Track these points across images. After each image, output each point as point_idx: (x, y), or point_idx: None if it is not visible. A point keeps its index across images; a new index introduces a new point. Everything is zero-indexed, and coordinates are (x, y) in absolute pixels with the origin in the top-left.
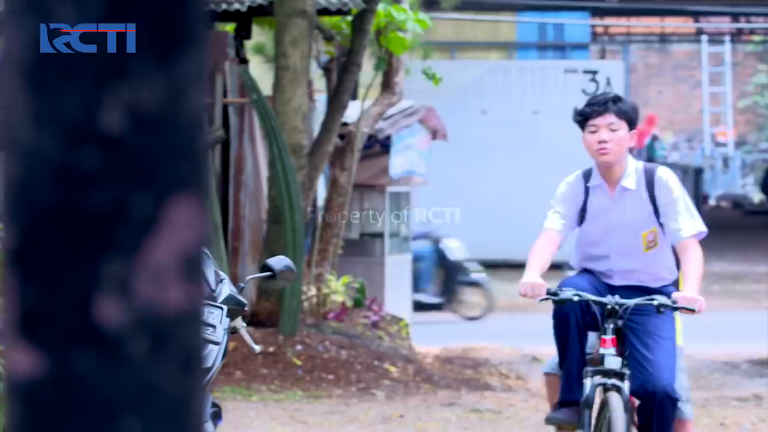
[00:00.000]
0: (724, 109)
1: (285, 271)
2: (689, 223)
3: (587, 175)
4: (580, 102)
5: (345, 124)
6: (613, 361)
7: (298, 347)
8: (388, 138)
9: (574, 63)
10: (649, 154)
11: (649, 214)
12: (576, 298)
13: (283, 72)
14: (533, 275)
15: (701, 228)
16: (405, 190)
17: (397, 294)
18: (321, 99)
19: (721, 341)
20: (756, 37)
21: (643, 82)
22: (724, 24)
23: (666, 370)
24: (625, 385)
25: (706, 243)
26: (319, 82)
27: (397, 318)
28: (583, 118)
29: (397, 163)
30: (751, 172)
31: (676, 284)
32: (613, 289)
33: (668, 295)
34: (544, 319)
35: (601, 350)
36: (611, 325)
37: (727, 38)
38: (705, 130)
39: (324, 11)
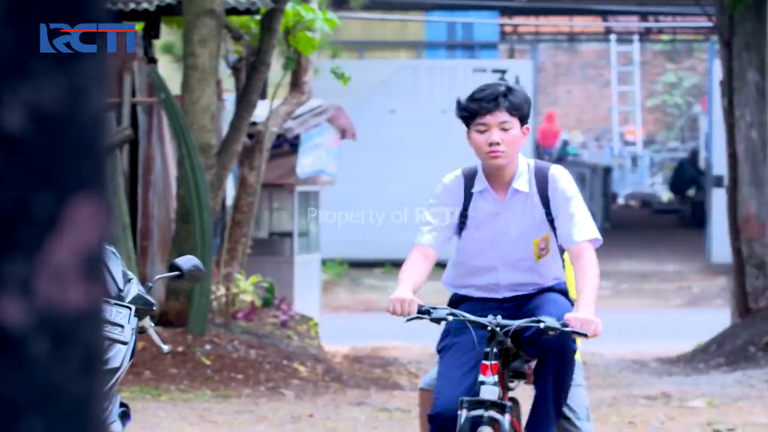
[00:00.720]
0: (633, 108)
1: (193, 271)
2: (584, 227)
3: (469, 177)
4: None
5: (254, 124)
6: (490, 391)
7: (207, 347)
8: (296, 137)
9: (483, 62)
10: (561, 153)
11: (542, 218)
12: (451, 318)
13: (191, 71)
14: (404, 290)
15: (596, 235)
16: (314, 189)
17: (306, 293)
18: (230, 98)
19: (630, 340)
20: (664, 36)
21: (552, 81)
22: (633, 23)
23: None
24: (506, 419)
25: (615, 242)
26: (228, 82)
27: (306, 317)
28: (469, 115)
29: (306, 162)
30: (659, 170)
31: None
32: (499, 303)
33: (562, 292)
34: None
35: (480, 378)
36: (493, 350)
37: (636, 37)
38: (614, 129)
39: (232, 11)
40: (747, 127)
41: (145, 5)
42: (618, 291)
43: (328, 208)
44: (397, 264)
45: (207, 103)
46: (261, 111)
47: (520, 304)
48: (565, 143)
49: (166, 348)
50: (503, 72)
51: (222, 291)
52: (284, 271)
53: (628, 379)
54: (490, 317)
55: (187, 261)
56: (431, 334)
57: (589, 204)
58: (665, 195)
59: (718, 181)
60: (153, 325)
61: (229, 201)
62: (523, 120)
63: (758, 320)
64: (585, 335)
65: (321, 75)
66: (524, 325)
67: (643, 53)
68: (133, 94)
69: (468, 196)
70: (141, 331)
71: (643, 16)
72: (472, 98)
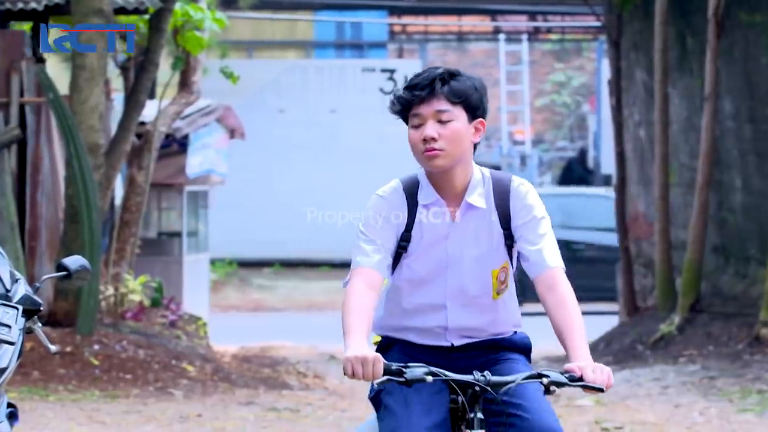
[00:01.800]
0: (522, 107)
1: (80, 271)
2: (556, 251)
3: (410, 188)
4: (378, 101)
5: (142, 123)
6: None
7: (96, 347)
8: (185, 137)
9: (372, 62)
10: None
11: (500, 241)
12: (430, 378)
13: (79, 71)
14: (360, 343)
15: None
16: (203, 189)
17: (194, 293)
18: (118, 98)
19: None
20: (553, 36)
21: None
22: (522, 23)
23: (546, 413)
24: None
25: None
26: (117, 81)
27: (195, 317)
28: (403, 107)
29: (196, 162)
30: (548, 170)
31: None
32: (445, 353)
33: (522, 346)
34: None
35: None
36: (477, 415)
37: (525, 37)
38: (503, 128)
39: (121, 10)
40: (635, 126)
41: (33, 5)
42: None
43: (218, 208)
44: (286, 264)
45: (95, 103)
46: (150, 111)
47: (473, 356)
48: None
49: (53, 348)
50: (392, 71)
51: (111, 291)
52: (173, 271)
53: None
54: (476, 374)
55: (74, 261)
56: (320, 333)
57: None
58: None
59: (606, 180)
60: (41, 325)
61: (118, 201)
62: (472, 111)
63: (646, 319)
64: (601, 390)
65: (210, 75)
66: (523, 381)
67: (531, 53)
68: (22, 94)
69: (411, 212)
70: (28, 332)
71: (532, 16)
72: (406, 86)
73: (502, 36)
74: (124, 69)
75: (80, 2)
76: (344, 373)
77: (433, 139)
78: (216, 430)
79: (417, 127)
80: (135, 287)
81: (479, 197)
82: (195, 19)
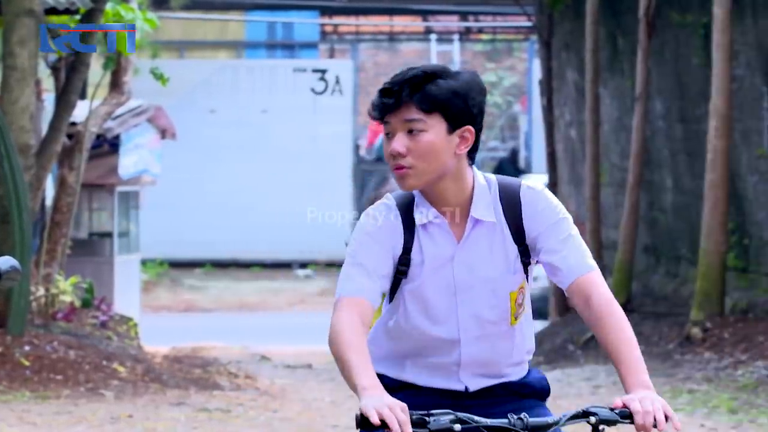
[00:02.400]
0: None
1: (11, 272)
2: (584, 252)
3: (406, 204)
4: (309, 101)
5: (73, 124)
6: None
7: (26, 348)
8: (116, 137)
9: (303, 62)
10: (378, 154)
11: (516, 258)
12: (458, 427)
13: (10, 71)
14: (377, 386)
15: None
16: (134, 189)
17: (126, 294)
18: (49, 98)
19: None
20: (484, 36)
21: (373, 81)
22: (453, 23)
23: None
24: None
25: None
26: (48, 82)
27: (126, 318)
28: (379, 114)
29: (128, 162)
30: (479, 170)
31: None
32: (459, 400)
33: (541, 390)
34: (272, 317)
35: None
36: None
37: (456, 37)
38: None
39: (52, 10)
40: (566, 126)
41: None
42: None
43: (149, 209)
44: (217, 264)
45: (26, 103)
46: (80, 111)
47: (491, 405)
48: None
49: None
50: (323, 72)
51: (41, 291)
52: (104, 272)
53: None
54: (512, 417)
55: (4, 262)
56: (251, 334)
57: None
58: None
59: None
60: None
61: (49, 201)
62: (454, 120)
63: (577, 319)
64: (654, 426)
65: (141, 75)
66: (569, 421)
67: (463, 53)
68: None
69: (409, 232)
70: None
71: (463, 16)
72: (380, 89)
73: (433, 36)
74: (55, 69)
75: (11, 2)
76: (372, 421)
77: (400, 155)
78: (147, 430)
79: (388, 136)
80: (66, 288)
81: (486, 209)
82: (126, 20)
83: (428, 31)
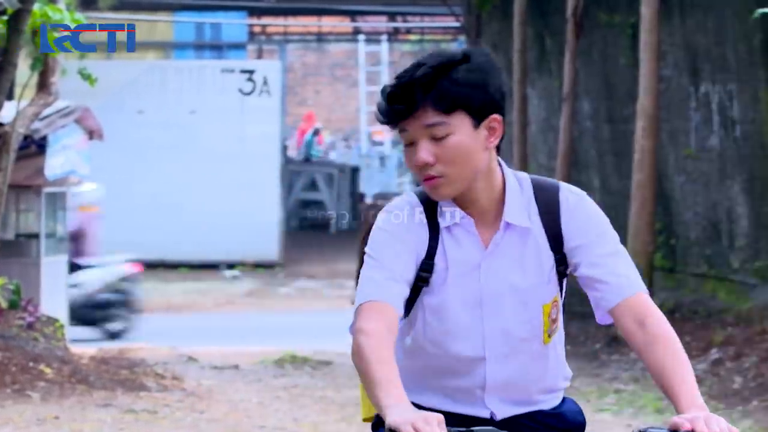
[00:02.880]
0: None
1: None
2: (634, 270)
3: (430, 202)
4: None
5: (0, 125)
6: None
7: None
8: (44, 138)
9: (232, 63)
10: (307, 151)
11: (551, 268)
12: None
13: None
14: (405, 401)
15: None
16: (61, 190)
17: (52, 295)
18: None
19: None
20: (412, 37)
21: (301, 81)
22: (381, 23)
23: None
24: None
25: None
26: None
27: (52, 319)
28: (388, 121)
29: (56, 163)
30: (407, 170)
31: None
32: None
33: (577, 425)
34: (199, 318)
35: None
36: None
37: (384, 38)
38: (362, 129)
39: None
40: None
41: None
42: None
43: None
44: (144, 265)
45: None
46: (7, 112)
47: None
48: (316, 132)
49: None
50: (251, 72)
51: None
52: (31, 273)
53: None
54: None
55: None
56: (178, 335)
57: (338, 204)
58: None
59: None
60: None
61: None
62: (478, 113)
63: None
64: None
65: (69, 76)
66: None
67: (391, 53)
68: None
69: (433, 234)
70: None
71: (392, 17)
72: (384, 92)
73: (361, 37)
74: None
75: None
76: None
77: (428, 165)
78: None
79: (408, 145)
80: None
81: (520, 212)
82: (54, 20)
83: (356, 31)
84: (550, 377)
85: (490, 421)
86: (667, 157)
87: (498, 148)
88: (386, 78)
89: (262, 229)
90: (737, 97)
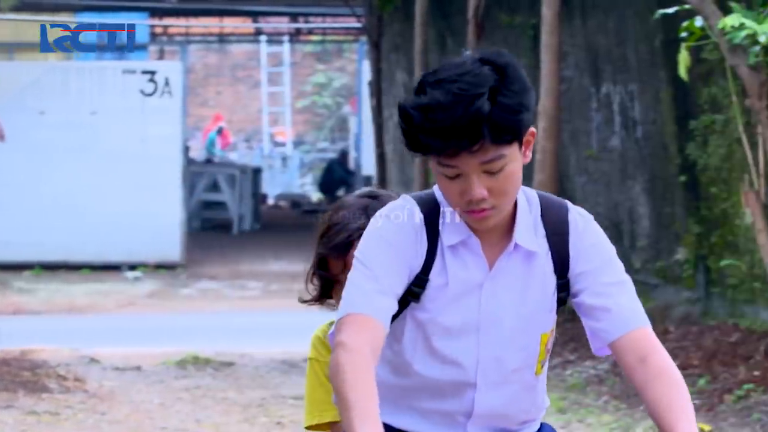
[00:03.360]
0: (283, 108)
1: None
2: (638, 303)
3: (432, 213)
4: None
5: None
6: None
7: None
8: None
9: (133, 64)
10: (209, 150)
11: (552, 295)
12: None
13: None
14: (375, 428)
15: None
16: None
17: None
18: None
19: (280, 341)
20: (314, 37)
21: (202, 82)
22: (283, 24)
23: None
24: None
25: (265, 243)
26: None
27: None
28: (424, 150)
29: None
30: (309, 171)
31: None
32: None
33: None
34: (101, 319)
35: None
36: None
37: (286, 38)
38: (264, 129)
39: None
40: (395, 127)
41: None
42: (268, 291)
43: None
44: (46, 266)
45: None
46: None
47: None
48: (220, 131)
49: None
50: (153, 73)
51: None
52: None
53: (278, 380)
54: None
55: None
56: (81, 336)
57: (240, 205)
58: (315, 195)
59: (367, 181)
60: None
61: None
62: (523, 135)
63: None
64: None
65: None
66: None
67: (293, 54)
68: None
69: (432, 247)
70: None
71: (293, 17)
72: (425, 119)
73: (263, 37)
74: None
75: None
76: None
77: (483, 200)
78: None
79: (452, 178)
80: None
81: (530, 235)
82: None
83: (258, 32)
84: (533, 409)
85: None
86: (568, 157)
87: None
88: (288, 79)
89: (163, 230)
90: (638, 97)
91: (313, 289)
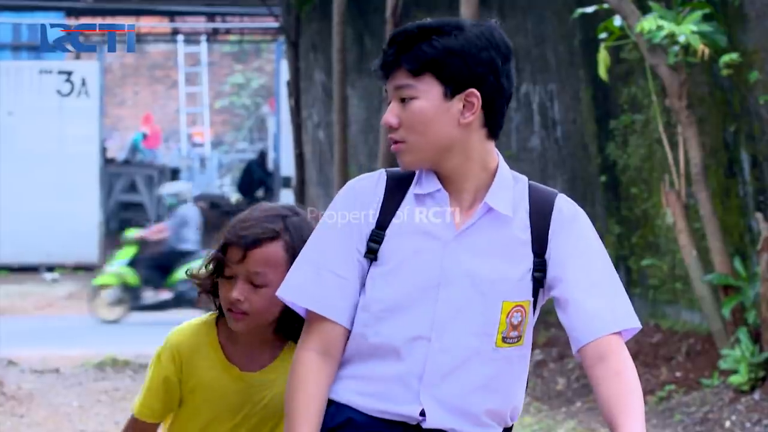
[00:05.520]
0: (201, 109)
1: None
2: (615, 305)
3: (402, 176)
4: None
5: None
6: None
7: None
8: None
9: (49, 64)
10: (127, 157)
11: (526, 271)
12: None
13: None
14: None
15: (636, 320)
16: None
17: None
18: None
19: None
20: (232, 37)
21: (120, 82)
22: (201, 24)
23: None
24: None
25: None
26: None
27: None
28: (380, 79)
29: None
30: (228, 172)
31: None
32: None
33: None
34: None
35: None
36: None
37: (204, 38)
38: (182, 130)
39: None
40: (314, 128)
41: None
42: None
43: None
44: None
45: None
46: None
47: None
48: (145, 136)
49: None
50: (69, 73)
51: None
52: None
53: None
54: None
55: None
56: (1, 338)
57: (158, 206)
58: (234, 196)
59: (286, 182)
60: None
61: None
62: (451, 82)
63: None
64: None
65: None
66: None
67: (210, 54)
68: None
69: (390, 204)
70: None
71: (211, 17)
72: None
73: (180, 37)
74: None
75: None
76: None
77: (392, 127)
78: None
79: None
80: None
81: (505, 200)
82: None
83: (175, 32)
84: (496, 397)
85: (417, 428)
86: None
87: (496, 132)
88: (206, 79)
89: (81, 231)
90: (558, 97)
91: (205, 273)
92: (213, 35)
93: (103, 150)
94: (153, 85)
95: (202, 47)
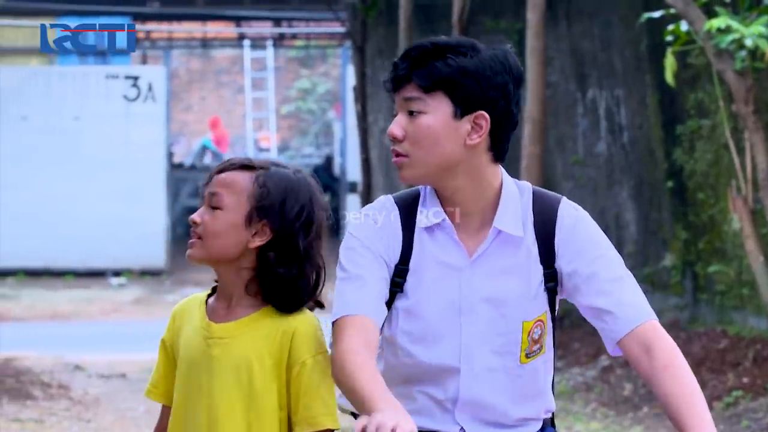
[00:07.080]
0: (267, 114)
1: None
2: (642, 299)
3: (407, 205)
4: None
5: None
6: None
7: None
8: None
9: (116, 69)
10: (193, 162)
11: (539, 284)
12: None
13: None
14: (393, 406)
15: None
16: None
17: None
18: None
19: None
20: (298, 42)
21: (186, 87)
22: (266, 29)
23: None
24: None
25: None
26: None
27: None
28: (389, 90)
29: None
30: None
31: (551, 423)
32: None
33: None
34: (86, 326)
35: None
36: None
37: (270, 43)
38: (248, 135)
39: None
40: (380, 133)
41: None
42: None
43: None
44: (29, 273)
45: None
46: None
47: None
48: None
49: None
50: (136, 78)
51: None
52: None
53: None
54: None
55: None
56: (65, 343)
57: None
58: None
59: (352, 187)
60: None
61: None
62: (463, 102)
63: None
64: None
65: None
66: None
67: (277, 59)
68: None
69: (408, 236)
70: None
71: (277, 22)
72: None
73: (246, 42)
74: None
75: None
76: None
77: (396, 139)
78: None
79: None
80: None
81: (514, 220)
82: None
83: (241, 37)
84: (527, 405)
85: None
86: (554, 163)
87: (502, 156)
88: (272, 84)
89: (148, 236)
90: (624, 102)
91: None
92: (279, 40)
93: (170, 155)
94: (219, 90)
95: (269, 52)
